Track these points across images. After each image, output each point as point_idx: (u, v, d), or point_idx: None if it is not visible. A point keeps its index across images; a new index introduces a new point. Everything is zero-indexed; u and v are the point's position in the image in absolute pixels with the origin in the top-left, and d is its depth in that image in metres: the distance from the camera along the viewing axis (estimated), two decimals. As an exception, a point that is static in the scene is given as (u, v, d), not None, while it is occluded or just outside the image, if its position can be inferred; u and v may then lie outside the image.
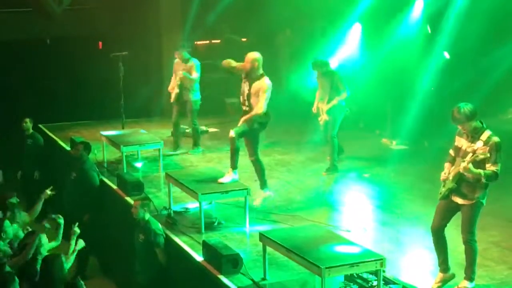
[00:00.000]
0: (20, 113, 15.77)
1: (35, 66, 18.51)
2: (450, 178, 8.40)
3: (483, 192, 8.33)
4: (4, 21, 18.13)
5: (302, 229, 9.46)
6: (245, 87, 11.02)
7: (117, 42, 17.30)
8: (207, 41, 19.93)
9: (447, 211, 8.56)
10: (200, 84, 15.08)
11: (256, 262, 9.20)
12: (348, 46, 16.75)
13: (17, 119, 15.32)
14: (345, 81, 13.31)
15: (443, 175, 8.52)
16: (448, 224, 8.66)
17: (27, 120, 15.07)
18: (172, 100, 14.86)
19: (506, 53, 13.38)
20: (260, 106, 10.81)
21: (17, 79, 18.40)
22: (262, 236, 8.83)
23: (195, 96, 14.77)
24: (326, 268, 7.63)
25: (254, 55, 10.98)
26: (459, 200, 8.41)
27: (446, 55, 14.98)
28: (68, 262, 9.17)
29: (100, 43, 19.17)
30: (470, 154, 8.17)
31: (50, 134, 16.59)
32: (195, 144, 15.04)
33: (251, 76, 10.94)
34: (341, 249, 8.20)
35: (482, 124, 8.28)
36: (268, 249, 8.76)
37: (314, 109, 13.55)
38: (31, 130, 15.15)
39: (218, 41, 19.95)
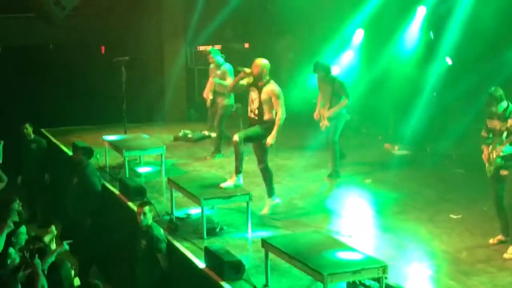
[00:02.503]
0: (22, 118, 15.76)
1: (38, 71, 18.53)
2: (494, 157, 9.55)
3: None
4: (7, 26, 18.15)
5: (304, 235, 9.46)
6: (253, 95, 10.95)
7: (119, 47, 17.32)
8: (210, 47, 19.90)
9: (498, 184, 9.75)
10: (201, 89, 15.10)
11: (258, 268, 9.20)
12: (350, 52, 16.76)
13: (19, 124, 15.29)
14: (346, 88, 13.25)
15: (485, 156, 9.71)
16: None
17: (27, 125, 14.99)
18: (208, 105, 15.04)
19: (509, 59, 13.38)
20: (280, 117, 10.77)
21: (20, 84, 18.42)
22: (264, 242, 8.83)
23: (227, 101, 14.85)
24: (328, 274, 7.64)
25: (263, 61, 10.93)
26: (505, 172, 9.55)
27: (448, 61, 14.98)
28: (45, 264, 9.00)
29: (103, 48, 19.19)
30: (506, 132, 9.36)
31: (53, 139, 16.60)
32: (217, 149, 14.96)
33: (259, 81, 10.87)
34: (344, 255, 8.20)
35: (508, 104, 9.47)
36: (270, 255, 8.75)
37: (315, 115, 13.52)
38: (32, 135, 15.11)
39: (220, 46, 19.95)
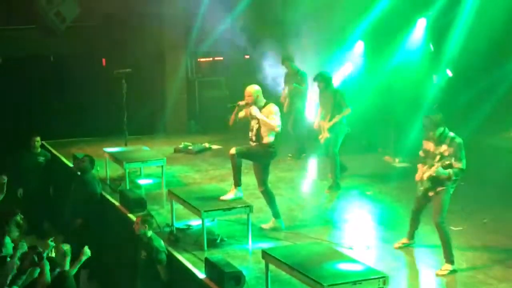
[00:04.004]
0: (23, 129, 15.77)
1: (38, 83, 18.53)
2: (425, 178, 9.64)
3: (451, 183, 9.63)
4: (8, 38, 18.15)
5: (304, 246, 9.48)
6: (253, 122, 10.95)
7: (120, 59, 17.33)
8: (210, 59, 19.96)
9: (423, 201, 9.99)
10: (202, 101, 15.17)
11: (259, 280, 9.21)
12: (351, 64, 16.79)
13: (20, 136, 15.28)
14: (347, 99, 13.29)
15: (417, 176, 9.81)
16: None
17: (38, 138, 15.05)
18: (285, 110, 15.31)
19: (509, 71, 13.40)
20: (275, 124, 10.76)
21: (21, 95, 18.42)
22: (265, 254, 8.83)
23: (300, 105, 15.48)
24: (329, 285, 7.65)
25: (254, 88, 10.97)
26: (431, 193, 9.72)
27: (449, 73, 15.01)
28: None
29: (104, 60, 19.21)
30: (438, 156, 9.51)
31: (53, 151, 16.59)
32: (299, 151, 15.67)
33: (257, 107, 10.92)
34: (344, 266, 8.20)
35: (445, 129, 9.63)
36: (271, 266, 8.75)
37: (315, 126, 13.57)
38: (39, 148, 15.15)
39: (221, 58, 19.98)
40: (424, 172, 9.73)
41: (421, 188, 9.82)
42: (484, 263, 9.81)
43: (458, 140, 9.53)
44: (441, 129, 9.62)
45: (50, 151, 16.47)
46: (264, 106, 10.90)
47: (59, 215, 14.43)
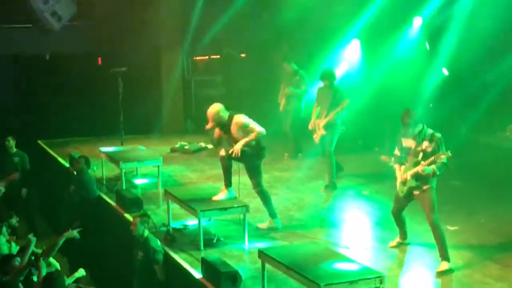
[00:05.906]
0: (18, 128, 15.73)
1: (34, 82, 18.52)
2: (409, 177, 9.72)
3: (434, 180, 9.65)
4: (4, 36, 18.14)
5: (301, 246, 9.48)
6: (227, 138, 10.99)
7: (116, 58, 17.31)
8: (206, 57, 19.96)
9: (404, 200, 10.06)
10: (199, 100, 15.12)
11: (255, 279, 9.18)
12: (346, 63, 16.78)
13: (15, 135, 15.20)
14: (346, 97, 13.29)
15: (401, 177, 9.88)
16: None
17: (10, 138, 14.76)
18: (281, 109, 15.62)
19: (505, 70, 13.40)
20: (257, 130, 10.71)
21: (16, 94, 18.40)
22: (261, 253, 8.82)
23: (297, 105, 15.49)
24: (325, 285, 7.63)
25: (214, 109, 10.88)
26: (416, 192, 9.75)
27: (445, 71, 15.00)
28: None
29: (100, 59, 19.19)
30: (421, 154, 9.50)
31: (49, 151, 16.57)
32: (296, 150, 15.74)
33: (223, 125, 10.88)
34: (340, 266, 8.19)
35: (423, 126, 9.60)
36: (267, 266, 8.74)
37: (310, 126, 13.54)
38: (15, 149, 14.83)
39: (217, 57, 19.99)
40: (404, 172, 9.79)
41: (404, 188, 9.83)
42: (481, 262, 9.80)
43: (438, 135, 9.54)
44: (420, 125, 9.58)
45: (45, 151, 16.45)
46: (229, 120, 10.83)
47: (54, 215, 14.41)
